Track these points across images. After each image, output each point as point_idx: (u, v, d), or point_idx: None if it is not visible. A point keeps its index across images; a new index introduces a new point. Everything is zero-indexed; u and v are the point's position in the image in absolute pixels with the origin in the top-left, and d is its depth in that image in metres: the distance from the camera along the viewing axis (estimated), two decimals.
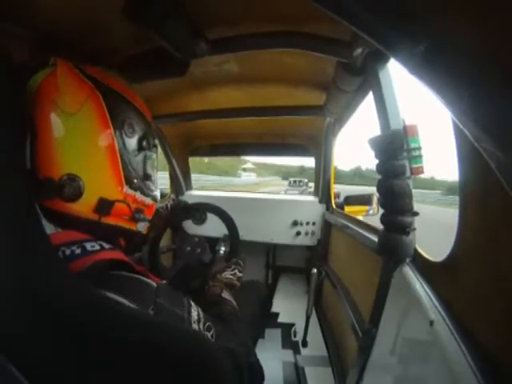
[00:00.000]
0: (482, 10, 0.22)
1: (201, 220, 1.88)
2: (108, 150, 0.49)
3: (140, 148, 0.56)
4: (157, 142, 0.63)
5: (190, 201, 1.52)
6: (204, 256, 1.11)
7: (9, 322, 0.32)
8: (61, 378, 0.33)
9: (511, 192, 0.24)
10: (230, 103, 1.33)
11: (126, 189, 0.52)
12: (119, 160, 0.51)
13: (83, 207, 0.48)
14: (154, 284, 0.45)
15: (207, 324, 0.49)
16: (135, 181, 0.54)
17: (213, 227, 1.23)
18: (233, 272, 0.86)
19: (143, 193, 0.57)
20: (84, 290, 0.36)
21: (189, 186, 2.07)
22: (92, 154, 0.48)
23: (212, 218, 1.13)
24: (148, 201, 0.58)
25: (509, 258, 0.36)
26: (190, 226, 1.89)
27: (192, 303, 0.50)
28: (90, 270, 0.40)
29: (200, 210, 1.17)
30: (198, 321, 0.48)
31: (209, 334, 0.49)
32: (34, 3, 0.58)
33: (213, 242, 1.23)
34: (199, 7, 0.67)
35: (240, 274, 0.87)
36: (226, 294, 0.75)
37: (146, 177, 0.58)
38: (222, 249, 1.21)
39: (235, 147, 2.00)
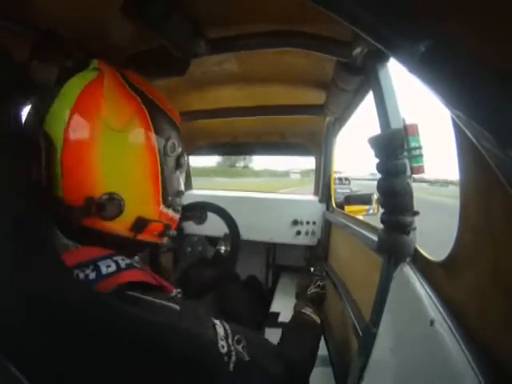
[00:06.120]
0: (483, 10, 0.22)
1: (201, 219, 1.88)
2: (151, 169, 0.47)
3: (178, 166, 0.54)
4: None
5: (191, 200, 1.52)
6: (206, 253, 1.11)
7: (9, 322, 0.32)
8: (61, 378, 0.33)
9: (511, 190, 0.24)
10: (230, 102, 1.33)
11: (162, 207, 0.51)
12: (160, 180, 0.49)
13: (120, 225, 0.46)
14: (178, 307, 0.42)
15: (236, 337, 0.46)
16: (169, 198, 0.53)
17: (213, 226, 1.23)
18: (316, 284, 0.87)
19: (174, 209, 0.56)
20: (85, 292, 0.36)
21: (189, 186, 2.07)
22: (135, 173, 0.46)
23: (212, 218, 1.13)
24: (177, 216, 0.58)
25: (509, 257, 0.36)
26: (189, 226, 1.89)
27: (215, 321, 0.46)
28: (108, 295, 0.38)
29: (192, 210, 1.17)
30: (226, 337, 0.45)
31: (239, 347, 0.45)
32: (35, 2, 0.58)
33: (213, 241, 1.23)
34: (199, 6, 0.67)
35: (322, 283, 0.89)
36: (305, 310, 0.76)
37: (178, 193, 0.57)
38: (223, 248, 1.21)
39: (235, 146, 2.00)
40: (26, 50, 0.65)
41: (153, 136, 0.47)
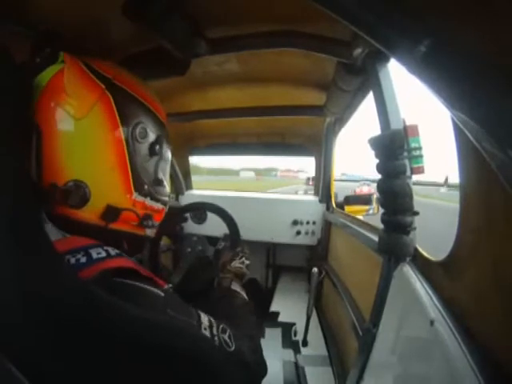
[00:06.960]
0: (483, 10, 0.22)
1: (201, 219, 1.88)
2: (116, 156, 0.47)
3: (152, 153, 0.52)
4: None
5: (191, 200, 1.53)
6: (206, 251, 1.11)
7: (8, 321, 0.32)
8: (61, 378, 0.33)
9: (511, 191, 0.24)
10: (230, 103, 1.33)
11: (134, 196, 0.50)
12: (128, 166, 0.48)
13: (90, 214, 0.46)
14: (162, 294, 0.43)
15: (221, 326, 0.47)
16: (145, 187, 0.52)
17: (213, 226, 1.24)
18: (241, 260, 0.84)
19: (153, 198, 0.54)
20: (84, 289, 0.36)
21: (189, 186, 2.07)
22: (99, 160, 0.46)
23: (212, 218, 1.13)
24: (158, 206, 0.56)
25: (509, 257, 0.36)
26: (190, 226, 1.89)
27: (200, 312, 0.47)
28: (95, 279, 0.38)
29: (192, 211, 1.17)
30: (211, 326, 0.46)
31: (225, 336, 0.47)
32: (35, 2, 0.58)
33: (213, 241, 1.23)
34: (199, 6, 0.67)
35: (248, 262, 0.86)
36: (235, 286, 0.74)
37: (157, 182, 0.55)
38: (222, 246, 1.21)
39: (235, 147, 2.00)
40: (26, 50, 0.65)
41: (118, 122, 0.47)
